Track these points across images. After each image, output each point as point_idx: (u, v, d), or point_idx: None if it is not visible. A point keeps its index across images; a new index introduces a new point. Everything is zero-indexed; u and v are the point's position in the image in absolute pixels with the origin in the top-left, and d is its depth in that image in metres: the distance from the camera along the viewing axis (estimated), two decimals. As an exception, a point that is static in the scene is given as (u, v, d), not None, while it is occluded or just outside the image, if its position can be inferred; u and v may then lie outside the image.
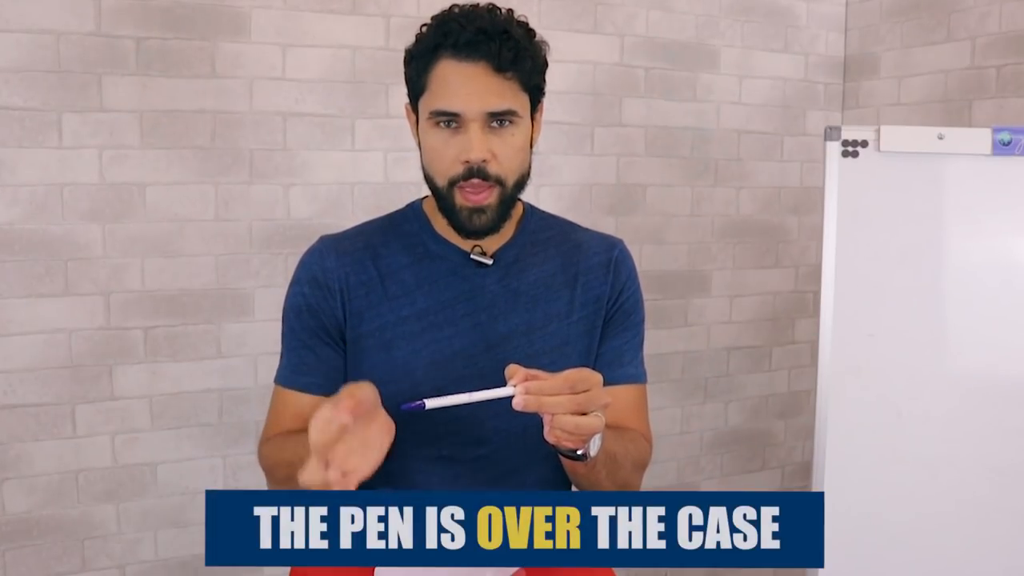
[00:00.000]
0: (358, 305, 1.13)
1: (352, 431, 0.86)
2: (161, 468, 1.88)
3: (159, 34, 1.79)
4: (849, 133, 1.63)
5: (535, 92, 1.11)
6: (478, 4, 1.09)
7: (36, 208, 1.73)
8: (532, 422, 1.08)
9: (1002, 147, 1.59)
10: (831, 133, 1.64)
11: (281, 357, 1.17)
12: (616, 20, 2.23)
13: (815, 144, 2.48)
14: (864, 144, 1.63)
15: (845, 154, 1.63)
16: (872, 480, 1.64)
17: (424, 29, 1.09)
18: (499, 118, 1.05)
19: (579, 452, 0.98)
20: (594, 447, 1.00)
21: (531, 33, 1.10)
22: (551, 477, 1.16)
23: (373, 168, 1.99)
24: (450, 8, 1.09)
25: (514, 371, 0.91)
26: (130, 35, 1.77)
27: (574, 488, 1.18)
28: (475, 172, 1.05)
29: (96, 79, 1.75)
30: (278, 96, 1.89)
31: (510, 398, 0.90)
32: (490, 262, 1.14)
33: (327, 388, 1.14)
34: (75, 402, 1.79)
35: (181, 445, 1.89)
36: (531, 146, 1.13)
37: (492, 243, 1.15)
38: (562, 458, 1.04)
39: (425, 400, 0.91)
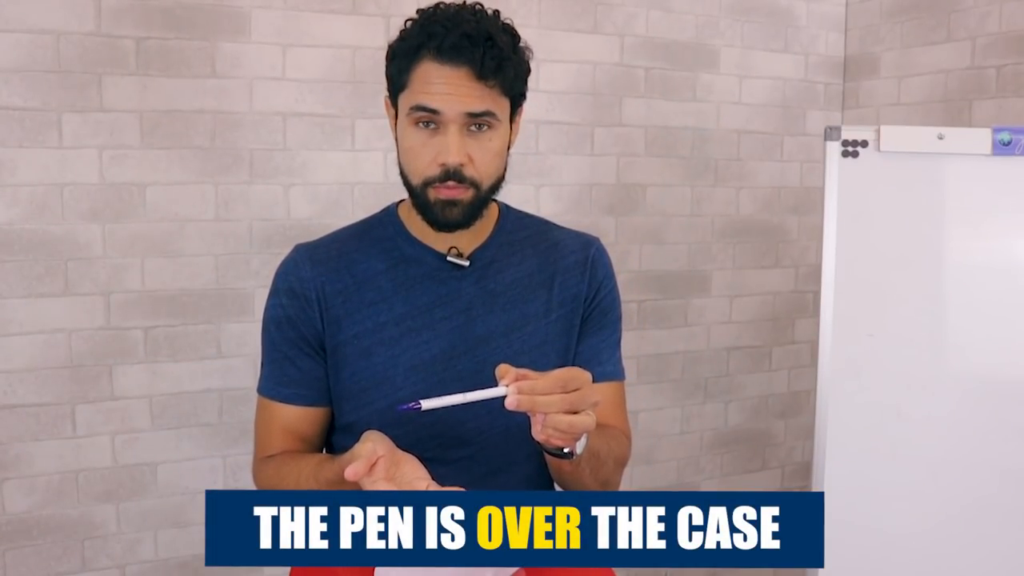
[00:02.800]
0: (336, 313, 1.13)
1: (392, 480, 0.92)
2: (161, 468, 1.88)
3: (159, 34, 1.79)
4: (849, 133, 1.63)
5: (516, 97, 1.10)
6: (465, 3, 1.08)
7: (36, 208, 1.73)
8: (513, 422, 1.08)
9: (1002, 147, 1.59)
10: (831, 133, 1.64)
11: (262, 367, 1.17)
12: (616, 20, 2.23)
13: (815, 144, 2.48)
14: (864, 144, 1.63)
15: (845, 154, 1.63)
16: (872, 480, 1.64)
17: (409, 25, 1.07)
18: (477, 121, 1.04)
19: (566, 451, 0.99)
20: (580, 445, 1.00)
21: (516, 39, 1.08)
22: (535, 475, 1.17)
23: (373, 168, 1.99)
24: (436, 6, 1.07)
25: (505, 371, 0.92)
26: (130, 35, 1.77)
27: (557, 486, 1.18)
28: (451, 175, 1.04)
29: (96, 79, 1.75)
30: (278, 96, 1.89)
31: (502, 398, 0.90)
32: (466, 264, 1.14)
33: (311, 398, 1.15)
34: (75, 402, 1.79)
35: (181, 445, 1.89)
36: (508, 148, 1.12)
37: (468, 244, 1.15)
38: (547, 457, 1.04)
39: (421, 401, 0.91)
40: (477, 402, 0.92)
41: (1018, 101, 2.10)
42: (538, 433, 0.93)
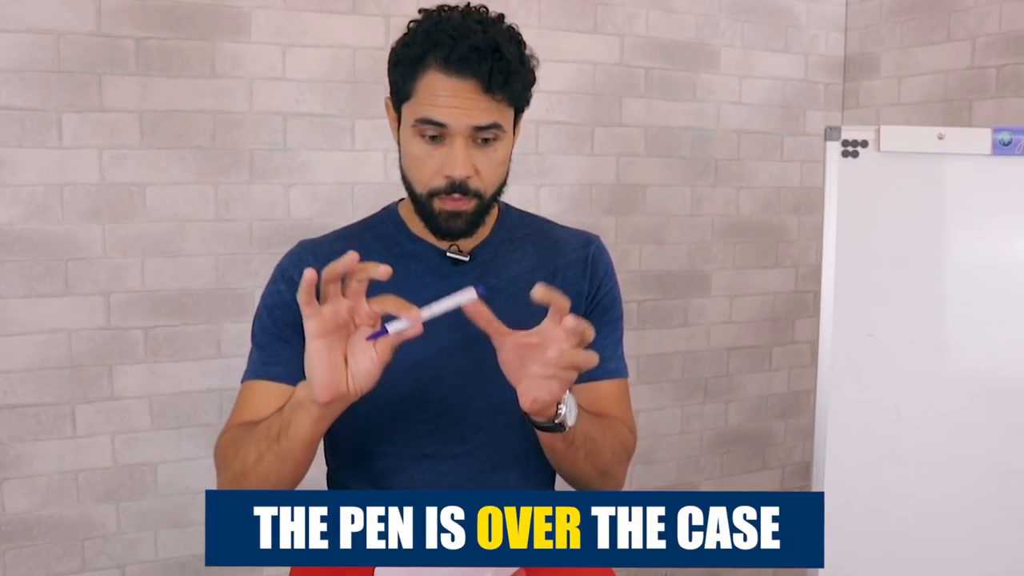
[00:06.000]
0: None
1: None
2: (161, 468, 1.88)
3: (159, 34, 1.79)
4: (849, 133, 1.63)
5: (520, 105, 1.09)
6: (469, 5, 1.07)
7: (36, 208, 1.73)
8: (511, 421, 1.08)
9: (1002, 147, 1.59)
10: (831, 133, 1.64)
11: (250, 356, 1.14)
12: (616, 20, 2.23)
13: (815, 144, 2.48)
14: (864, 144, 1.63)
15: (845, 154, 1.63)
16: (871, 479, 1.64)
17: (412, 27, 1.06)
18: (484, 135, 1.04)
19: (556, 421, 0.98)
20: (571, 416, 0.99)
21: (522, 47, 1.06)
22: (534, 471, 1.17)
23: (373, 168, 1.99)
24: (439, 9, 1.06)
25: (544, 292, 0.92)
26: (130, 35, 1.77)
27: (559, 480, 1.17)
28: (456, 187, 1.04)
29: (96, 79, 1.75)
30: (278, 96, 1.89)
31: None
32: (467, 259, 1.14)
33: (298, 379, 1.12)
34: (75, 402, 1.79)
35: (181, 445, 1.89)
36: (510, 153, 1.12)
37: (469, 242, 1.15)
38: (541, 437, 1.03)
39: (387, 326, 0.89)
40: (447, 312, 0.90)
41: (1018, 101, 2.10)
42: (544, 374, 0.91)
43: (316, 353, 0.89)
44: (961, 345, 1.63)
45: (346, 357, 0.90)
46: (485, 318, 0.93)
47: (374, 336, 0.89)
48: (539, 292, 0.90)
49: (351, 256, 0.86)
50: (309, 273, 0.85)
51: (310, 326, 0.88)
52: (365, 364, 0.90)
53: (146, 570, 1.88)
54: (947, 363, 1.63)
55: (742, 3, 2.38)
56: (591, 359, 0.92)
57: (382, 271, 0.87)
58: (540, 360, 0.92)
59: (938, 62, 2.28)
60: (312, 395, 0.90)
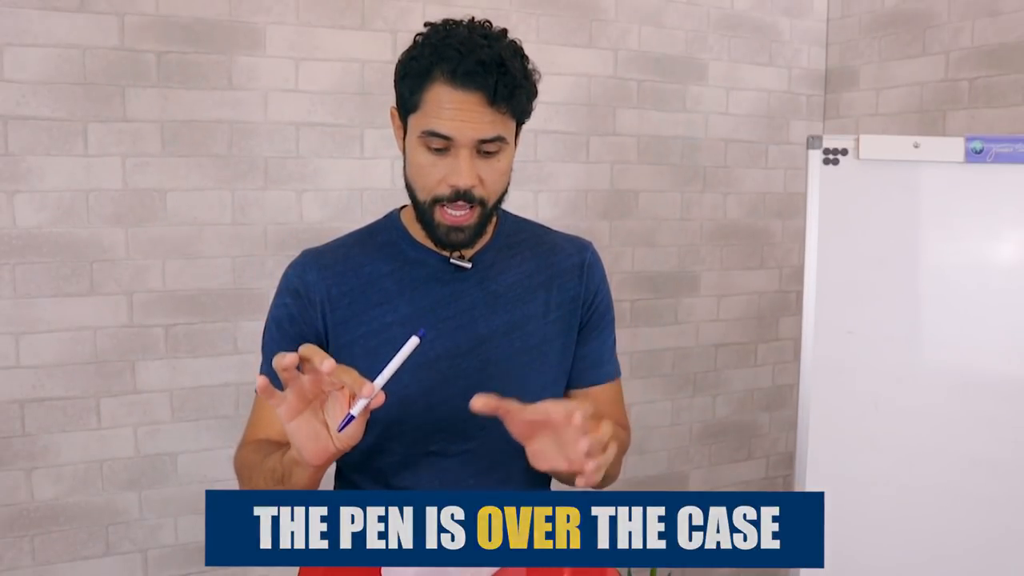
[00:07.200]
0: (342, 315, 1.09)
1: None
2: (181, 458, 1.87)
3: (179, 48, 1.78)
4: (830, 142, 1.63)
5: (522, 118, 1.07)
6: (473, 20, 1.04)
7: (63, 212, 1.73)
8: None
9: (974, 155, 1.59)
10: (813, 142, 1.63)
11: (261, 369, 1.10)
12: (610, 35, 2.22)
13: (798, 152, 2.47)
14: (844, 152, 1.62)
15: (826, 162, 1.63)
16: (851, 468, 1.63)
17: (419, 40, 1.03)
18: (488, 147, 1.01)
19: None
20: (600, 473, 0.95)
21: (525, 61, 1.04)
22: (533, 468, 1.16)
23: (381, 175, 1.98)
24: (444, 24, 1.03)
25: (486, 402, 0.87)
26: (152, 49, 1.76)
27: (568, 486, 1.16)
28: (461, 195, 1.01)
29: (120, 91, 1.75)
30: (291, 107, 1.89)
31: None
32: (469, 265, 1.11)
33: None
34: (100, 395, 1.79)
35: (200, 436, 1.88)
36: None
37: (469, 247, 1.12)
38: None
39: (351, 411, 0.85)
40: (397, 369, 0.88)
41: (989, 111, 2.10)
42: (591, 473, 0.86)
43: (296, 431, 0.87)
44: (935, 341, 1.63)
45: (326, 423, 0.88)
46: (492, 407, 0.88)
47: (343, 425, 0.86)
48: (479, 403, 0.85)
49: (293, 357, 0.82)
50: (261, 381, 0.84)
51: (281, 413, 0.86)
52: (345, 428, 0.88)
53: (167, 554, 1.88)
54: (922, 358, 1.63)
55: (729, 19, 2.38)
56: (607, 433, 0.86)
57: (327, 365, 0.82)
58: (565, 449, 0.87)
59: (914, 75, 2.27)
60: (303, 461, 0.89)
